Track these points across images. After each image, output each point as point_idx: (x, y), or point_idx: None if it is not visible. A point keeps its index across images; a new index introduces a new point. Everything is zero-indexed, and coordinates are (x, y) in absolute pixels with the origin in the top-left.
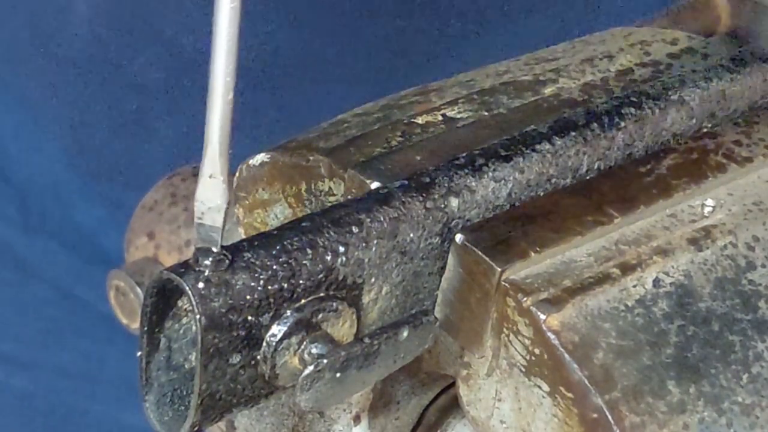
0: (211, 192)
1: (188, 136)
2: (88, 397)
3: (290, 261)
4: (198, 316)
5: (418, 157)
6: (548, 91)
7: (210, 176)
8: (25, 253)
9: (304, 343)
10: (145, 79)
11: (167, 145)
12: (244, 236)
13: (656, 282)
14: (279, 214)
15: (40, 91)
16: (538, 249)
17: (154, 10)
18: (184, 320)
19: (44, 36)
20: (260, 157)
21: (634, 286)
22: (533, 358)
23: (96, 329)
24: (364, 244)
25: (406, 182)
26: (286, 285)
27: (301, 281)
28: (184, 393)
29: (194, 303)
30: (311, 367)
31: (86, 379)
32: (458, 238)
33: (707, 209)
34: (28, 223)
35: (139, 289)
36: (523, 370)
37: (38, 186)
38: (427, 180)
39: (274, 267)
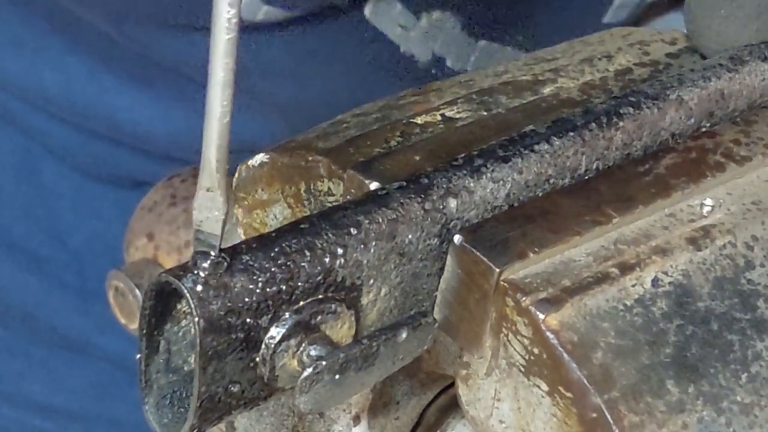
0: (209, 203)
1: None
2: None
3: (289, 263)
4: (196, 319)
5: (417, 157)
6: (547, 91)
7: (207, 189)
8: (82, 319)
9: (303, 345)
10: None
11: None
12: (243, 236)
13: (655, 281)
14: (278, 214)
15: (96, 156)
16: (536, 249)
17: None
18: (183, 323)
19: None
20: (259, 158)
21: (633, 286)
22: (532, 357)
23: None
24: (362, 246)
25: (405, 183)
26: (284, 287)
27: (299, 283)
28: (184, 395)
29: (193, 306)
30: (310, 369)
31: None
32: (457, 239)
33: (706, 209)
34: (85, 289)
35: (138, 292)
36: (522, 369)
37: (95, 251)
38: (426, 181)
39: (273, 269)
